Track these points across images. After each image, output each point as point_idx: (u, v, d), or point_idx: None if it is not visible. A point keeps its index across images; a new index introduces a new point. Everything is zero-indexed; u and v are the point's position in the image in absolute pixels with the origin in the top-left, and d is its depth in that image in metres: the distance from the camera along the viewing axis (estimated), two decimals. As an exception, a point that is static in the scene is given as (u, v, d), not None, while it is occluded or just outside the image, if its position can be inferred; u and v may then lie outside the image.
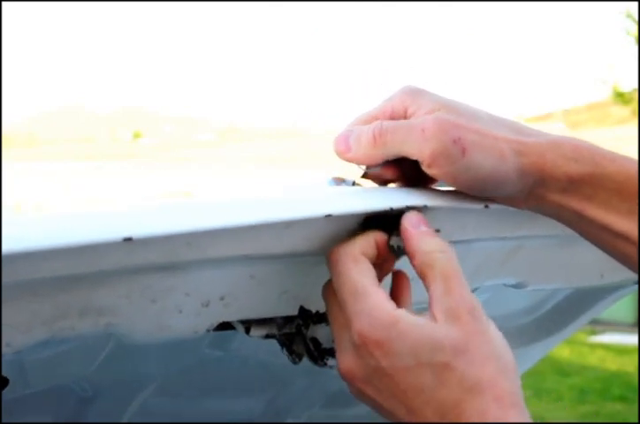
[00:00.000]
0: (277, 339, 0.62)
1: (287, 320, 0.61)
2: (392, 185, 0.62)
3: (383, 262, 0.55)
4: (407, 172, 0.60)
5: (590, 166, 0.55)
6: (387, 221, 0.54)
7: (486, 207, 0.59)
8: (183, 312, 0.53)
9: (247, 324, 0.59)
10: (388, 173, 0.61)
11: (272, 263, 0.55)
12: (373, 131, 0.58)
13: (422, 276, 0.52)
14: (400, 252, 0.54)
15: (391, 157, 0.59)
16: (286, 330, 0.61)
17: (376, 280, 0.52)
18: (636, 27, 14.76)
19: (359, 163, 0.60)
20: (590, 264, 0.64)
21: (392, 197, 0.56)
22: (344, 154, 0.60)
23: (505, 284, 0.72)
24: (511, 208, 0.60)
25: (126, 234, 0.43)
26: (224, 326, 0.57)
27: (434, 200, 0.57)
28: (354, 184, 0.61)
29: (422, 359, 0.49)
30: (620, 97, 15.82)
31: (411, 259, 0.53)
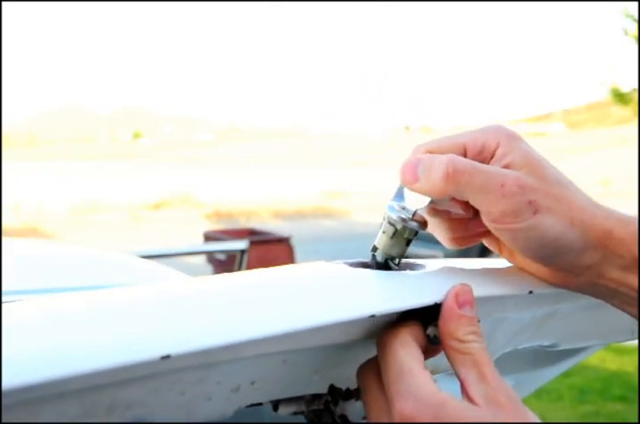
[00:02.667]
0: (304, 416, 0.61)
1: (316, 396, 0.60)
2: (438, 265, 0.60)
3: (429, 349, 0.54)
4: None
5: None
6: (428, 309, 0.53)
7: (530, 292, 0.59)
8: (212, 399, 0.52)
9: (276, 402, 0.58)
10: (456, 206, 0.59)
11: (306, 351, 0.54)
12: (447, 167, 0.55)
13: (451, 360, 0.52)
14: (436, 341, 0.53)
15: (457, 197, 0.57)
16: (315, 407, 0.61)
17: (423, 363, 0.51)
18: (636, 27, 14.74)
19: (424, 195, 0.58)
20: (621, 322, 0.64)
21: (437, 289, 0.54)
22: (410, 184, 0.57)
23: (539, 345, 0.73)
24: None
25: (164, 352, 0.42)
26: (252, 404, 0.56)
27: (480, 288, 0.55)
28: (414, 214, 0.58)
29: None
30: (620, 97, 15.79)
31: (443, 339, 0.52)
